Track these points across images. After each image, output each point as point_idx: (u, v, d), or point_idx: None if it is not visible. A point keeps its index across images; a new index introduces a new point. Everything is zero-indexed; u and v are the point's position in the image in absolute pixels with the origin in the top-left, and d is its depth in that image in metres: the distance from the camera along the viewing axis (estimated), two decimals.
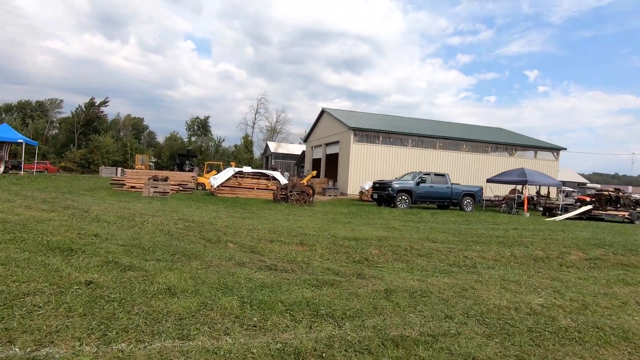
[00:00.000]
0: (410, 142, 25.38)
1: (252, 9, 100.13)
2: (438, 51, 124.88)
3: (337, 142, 26.98)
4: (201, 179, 22.82)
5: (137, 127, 74.80)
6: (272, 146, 51.76)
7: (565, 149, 28.69)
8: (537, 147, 28.37)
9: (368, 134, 24.58)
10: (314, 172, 22.34)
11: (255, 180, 17.91)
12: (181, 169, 29.24)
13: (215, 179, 17.35)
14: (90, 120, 62.70)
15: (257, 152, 68.96)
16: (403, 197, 16.08)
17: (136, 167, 36.46)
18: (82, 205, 9.63)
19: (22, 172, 25.55)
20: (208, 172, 24.39)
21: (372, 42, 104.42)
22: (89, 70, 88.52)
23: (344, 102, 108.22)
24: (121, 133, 69.52)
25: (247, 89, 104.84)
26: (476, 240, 8.29)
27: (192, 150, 40.80)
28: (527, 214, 16.83)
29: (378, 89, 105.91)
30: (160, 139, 74.69)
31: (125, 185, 17.41)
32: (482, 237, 8.88)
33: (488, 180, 20.25)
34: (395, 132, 25.10)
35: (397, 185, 16.10)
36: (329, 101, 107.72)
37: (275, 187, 18.00)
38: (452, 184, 17.33)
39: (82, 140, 59.52)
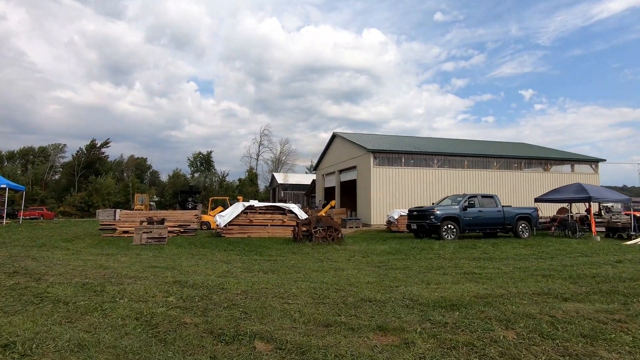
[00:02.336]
0: (435, 162, 22.84)
1: (253, 52, 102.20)
2: (434, 77, 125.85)
3: (354, 167, 24.51)
4: (206, 217, 20.20)
5: (140, 167, 73.31)
6: (279, 177, 49.42)
7: (605, 160, 26.05)
8: (574, 160, 25.71)
9: (389, 156, 22.11)
10: (333, 202, 19.70)
11: (269, 216, 15.24)
12: (184, 206, 26.67)
13: (222, 217, 14.71)
14: (91, 162, 61.21)
15: (261, 185, 66.79)
16: (450, 226, 13.28)
17: (135, 207, 33.97)
18: (40, 267, 6.96)
19: (19, 221, 23.10)
20: (213, 208, 21.81)
21: (369, 73, 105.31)
22: (97, 117, 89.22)
23: (345, 131, 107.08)
24: (125, 174, 67.91)
25: (250, 125, 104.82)
26: (613, 289, 5.55)
27: (194, 187, 38.47)
28: (598, 238, 13.88)
29: (378, 117, 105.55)
30: (164, 177, 72.96)
31: (116, 230, 14.79)
32: (604, 279, 6.18)
33: (537, 200, 17.45)
34: (419, 153, 22.64)
35: (440, 212, 13.34)
36: (330, 131, 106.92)
37: (294, 223, 15.29)
38: (502, 206, 14.56)
39: (82, 183, 57.66)
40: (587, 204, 15.98)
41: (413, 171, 22.29)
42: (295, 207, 15.48)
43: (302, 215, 15.55)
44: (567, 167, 25.67)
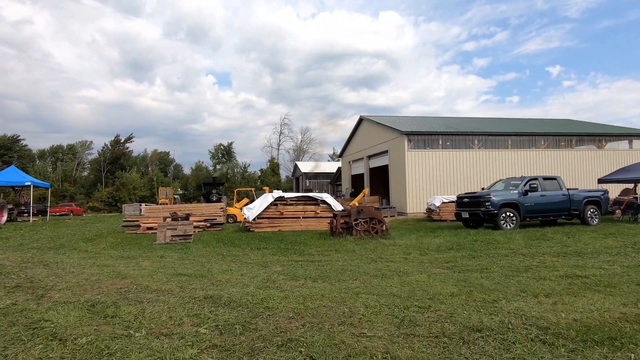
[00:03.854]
0: (476, 143, 20.86)
1: (268, 42, 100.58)
2: (453, 58, 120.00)
3: (385, 152, 22.84)
4: (231, 210, 19.20)
5: (163, 161, 74.00)
6: (303, 166, 48.16)
7: None
8: (632, 135, 23.01)
9: (425, 138, 20.30)
10: (366, 190, 18.21)
11: (300, 207, 13.96)
12: (208, 199, 25.83)
13: (250, 210, 13.54)
14: (116, 157, 61.97)
15: (283, 175, 65.88)
16: (508, 213, 11.58)
17: (160, 201, 33.65)
18: (49, 276, 5.91)
19: (46, 218, 22.98)
20: (238, 200, 20.79)
21: (387, 57, 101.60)
22: (120, 113, 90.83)
23: (368, 115, 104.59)
24: (149, 168, 68.63)
25: (268, 116, 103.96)
26: None
27: (218, 178, 37.77)
28: None
29: (396, 102, 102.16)
30: (187, 170, 73.39)
31: (140, 226, 13.92)
32: None
33: (600, 181, 15.37)
34: (457, 133, 20.70)
35: (498, 199, 11.64)
36: (348, 119, 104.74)
37: (328, 214, 13.97)
38: (567, 189, 12.67)
39: (109, 178, 58.53)
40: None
41: (451, 154, 20.42)
42: (328, 197, 14.12)
43: (337, 205, 14.19)
44: (624, 144, 23.03)
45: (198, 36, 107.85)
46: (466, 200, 12.47)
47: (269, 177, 59.14)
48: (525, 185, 12.09)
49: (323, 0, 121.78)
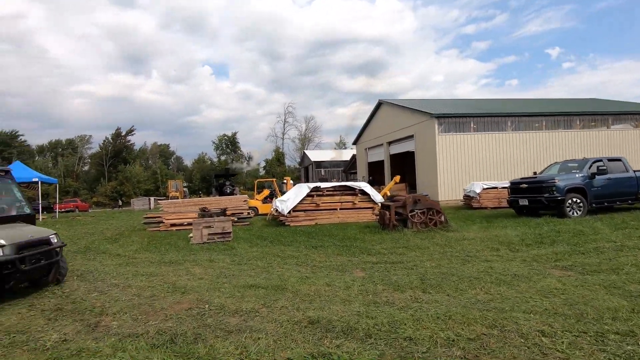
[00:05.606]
0: (509, 124, 19.64)
1: (265, 30, 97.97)
2: (453, 42, 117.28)
3: (410, 136, 21.63)
4: (252, 202, 18.03)
5: (164, 153, 72.63)
6: (313, 155, 46.89)
7: None
8: None
9: (456, 121, 19.07)
10: (398, 178, 17.07)
11: (337, 198, 12.83)
12: (221, 192, 24.68)
13: (283, 202, 12.41)
14: (118, 151, 60.59)
15: (288, 164, 64.54)
16: (575, 199, 10.47)
17: (170, 194, 32.52)
18: (91, 293, 4.79)
19: (56, 215, 21.88)
20: (259, 192, 19.65)
21: (385, 43, 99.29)
22: (119, 107, 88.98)
23: (363, 106, 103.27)
24: (150, 161, 67.28)
25: (267, 105, 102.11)
26: None
27: (231, 169, 36.54)
28: None
29: (396, 88, 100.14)
30: (187, 162, 72.07)
31: (163, 223, 12.81)
32: None
33: None
34: (490, 115, 19.46)
35: (563, 183, 10.51)
36: (347, 106, 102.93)
37: (366, 205, 12.87)
38: (634, 170, 11.55)
39: (112, 172, 57.26)
40: None
41: (483, 137, 19.22)
42: (367, 187, 12.99)
43: (376, 195, 13.07)
44: None
45: (194, 27, 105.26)
46: (524, 186, 11.33)
47: (275, 167, 57.91)
48: (590, 167, 10.95)
49: None
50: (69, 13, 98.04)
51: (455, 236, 8.45)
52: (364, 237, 8.92)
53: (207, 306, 4.13)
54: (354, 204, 12.86)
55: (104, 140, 61.17)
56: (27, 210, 5.47)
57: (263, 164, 63.77)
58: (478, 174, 18.74)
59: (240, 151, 65.01)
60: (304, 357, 2.86)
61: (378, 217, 10.82)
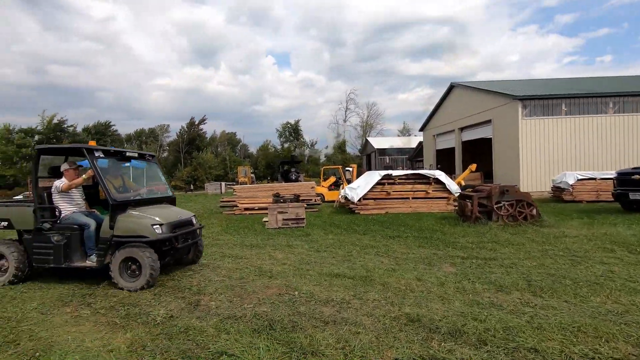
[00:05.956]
0: (610, 106, 17.02)
1: (327, 17, 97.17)
2: (531, 17, 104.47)
3: (487, 121, 19.91)
4: (319, 189, 18.09)
5: (231, 141, 76.71)
6: (375, 142, 45.94)
7: None
8: None
9: (543, 103, 17.04)
10: (474, 166, 15.83)
11: (409, 187, 12.26)
12: (287, 178, 25.27)
13: (353, 190, 12.21)
14: (192, 139, 65.33)
15: (350, 152, 64.13)
16: None
17: (239, 180, 34.26)
18: (185, 269, 5.06)
19: None
20: (325, 179, 19.69)
21: (453, 23, 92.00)
22: (192, 98, 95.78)
23: (426, 90, 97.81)
24: (219, 149, 71.63)
25: (328, 93, 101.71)
26: None
27: (296, 156, 37.36)
28: None
29: (463, 70, 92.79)
30: (253, 150, 75.31)
31: (237, 206, 13.42)
32: None
33: None
34: (587, 95, 17.05)
35: None
36: (409, 92, 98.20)
37: (441, 194, 12.14)
38: None
39: (187, 158, 62.10)
40: None
41: (577, 121, 16.93)
42: (442, 175, 12.20)
43: (452, 184, 12.24)
44: None
45: (258, 19, 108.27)
46: (637, 177, 9.68)
47: (336, 155, 57.94)
48: None
49: None
50: (148, 12, 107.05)
51: (553, 232, 7.51)
52: (443, 228, 8.36)
53: (296, 293, 4.09)
54: (427, 193, 12.19)
55: (180, 129, 66.35)
56: (170, 193, 5.71)
57: (324, 151, 64.25)
58: (569, 163, 16.65)
59: (303, 138, 66.09)
60: (414, 359, 2.62)
61: (457, 207, 10.10)
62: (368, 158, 47.50)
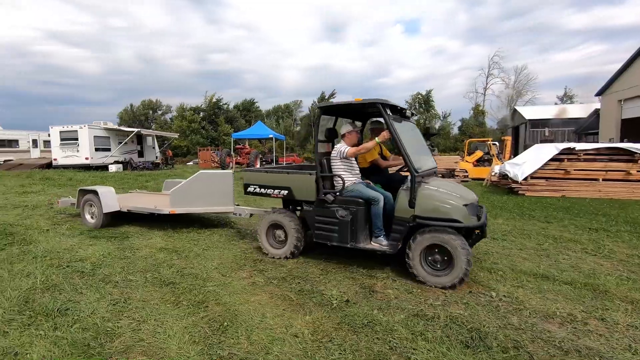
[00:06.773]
0: None
1: None
2: None
3: None
4: (462, 164, 16.08)
5: None
6: (526, 112, 39.07)
7: None
8: None
9: None
10: None
11: (600, 165, 9.47)
12: None
13: (517, 166, 10.14)
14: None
15: (489, 124, 56.32)
16: None
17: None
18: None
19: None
20: (470, 153, 17.42)
21: None
22: (320, 75, 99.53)
23: (593, 47, 76.21)
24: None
25: (461, 59, 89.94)
26: None
27: (431, 128, 34.83)
28: None
29: None
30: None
31: None
32: None
33: None
34: None
35: None
36: (568, 50, 77.91)
37: None
38: None
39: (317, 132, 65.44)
40: None
41: None
42: None
43: None
44: None
45: None
46: None
47: (472, 128, 51.72)
48: None
49: None
50: None
51: None
52: None
53: (493, 294, 3.16)
54: (629, 174, 9.19)
55: (312, 104, 69.91)
56: (435, 163, 4.63)
57: (459, 123, 58.23)
58: None
59: (435, 110, 61.25)
60: None
61: None
62: (515, 130, 40.83)
